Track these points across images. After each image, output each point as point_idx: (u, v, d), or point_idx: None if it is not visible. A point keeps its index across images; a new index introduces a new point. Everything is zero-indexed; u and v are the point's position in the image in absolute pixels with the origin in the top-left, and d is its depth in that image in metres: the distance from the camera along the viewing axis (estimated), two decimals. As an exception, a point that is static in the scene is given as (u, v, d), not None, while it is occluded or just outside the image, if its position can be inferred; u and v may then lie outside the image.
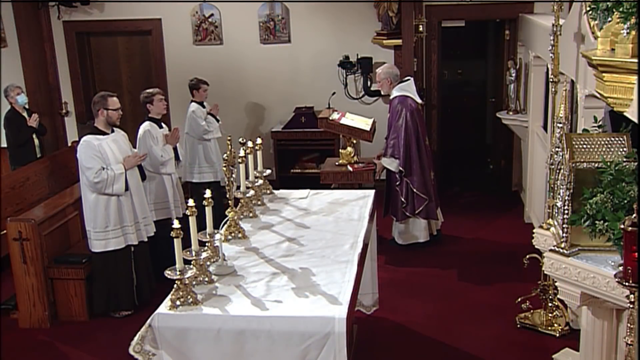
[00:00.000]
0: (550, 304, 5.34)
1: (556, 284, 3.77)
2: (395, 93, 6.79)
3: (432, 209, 6.92)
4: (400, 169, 6.71)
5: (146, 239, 5.85)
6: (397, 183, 6.78)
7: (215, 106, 7.51)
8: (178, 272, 3.47)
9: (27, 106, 7.54)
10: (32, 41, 8.59)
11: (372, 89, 8.31)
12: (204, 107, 7.40)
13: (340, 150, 7.13)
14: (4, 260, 6.17)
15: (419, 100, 6.91)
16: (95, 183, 5.43)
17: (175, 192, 6.38)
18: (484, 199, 8.52)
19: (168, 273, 3.49)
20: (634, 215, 2.76)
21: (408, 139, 6.68)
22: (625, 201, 3.24)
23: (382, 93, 7.11)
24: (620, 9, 3.13)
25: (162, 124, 6.44)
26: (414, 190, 6.74)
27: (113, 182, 5.46)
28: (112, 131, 5.68)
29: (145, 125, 6.27)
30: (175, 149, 6.41)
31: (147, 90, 6.43)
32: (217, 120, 7.45)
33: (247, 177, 4.71)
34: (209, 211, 3.85)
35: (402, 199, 6.77)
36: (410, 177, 6.74)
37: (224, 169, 4.22)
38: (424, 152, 6.82)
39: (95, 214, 5.54)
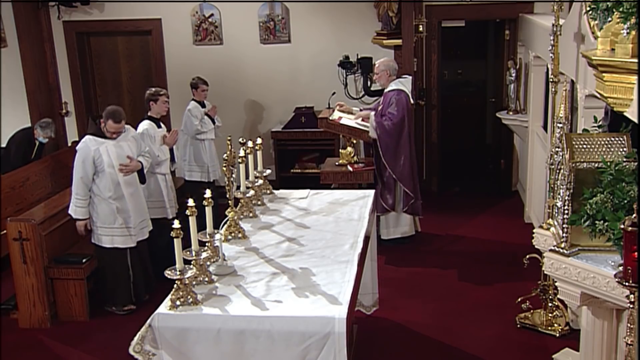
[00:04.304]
0: (550, 304, 5.35)
1: (556, 284, 3.77)
2: (392, 86, 6.79)
3: (418, 205, 6.94)
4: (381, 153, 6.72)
5: (146, 236, 5.90)
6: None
7: (213, 108, 7.46)
8: (178, 272, 3.47)
9: (42, 142, 7.59)
10: (32, 41, 8.58)
11: (372, 89, 8.31)
12: (204, 106, 7.39)
13: (340, 150, 7.14)
14: (4, 260, 6.17)
15: (411, 100, 6.92)
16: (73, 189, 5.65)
17: (169, 191, 6.37)
18: (484, 199, 8.52)
19: (168, 273, 3.49)
20: (634, 215, 2.76)
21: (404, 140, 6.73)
22: (625, 201, 3.24)
23: (379, 86, 7.09)
24: (620, 9, 3.13)
25: (161, 124, 6.44)
26: (404, 189, 6.78)
27: (75, 204, 5.61)
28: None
29: (144, 124, 6.27)
30: (171, 150, 6.42)
31: (154, 88, 6.44)
32: (214, 122, 7.40)
33: (247, 177, 4.71)
34: (209, 211, 3.84)
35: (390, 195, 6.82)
36: (401, 178, 6.76)
37: (224, 168, 4.22)
38: (413, 152, 6.87)
39: (90, 210, 5.68)
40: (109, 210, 5.61)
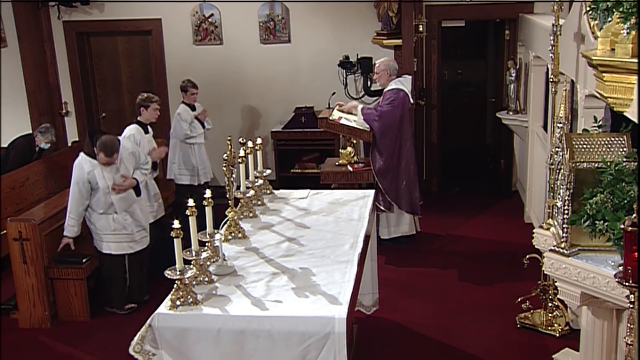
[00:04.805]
0: (550, 304, 5.35)
1: (556, 284, 3.77)
2: (392, 86, 6.80)
3: (417, 205, 6.94)
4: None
5: (145, 245, 5.92)
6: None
7: (204, 111, 7.40)
8: (178, 272, 3.47)
9: (44, 147, 7.54)
10: (32, 41, 8.58)
11: (372, 89, 8.31)
12: (194, 109, 7.35)
13: (340, 150, 7.14)
14: (4, 260, 6.17)
15: (411, 100, 6.91)
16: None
17: (151, 197, 6.32)
18: (483, 199, 8.52)
19: (168, 273, 3.49)
20: (634, 215, 2.76)
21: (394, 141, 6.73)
22: (625, 201, 3.24)
23: (379, 86, 7.10)
24: (620, 9, 3.13)
25: (149, 129, 6.41)
26: (384, 193, 6.75)
27: (67, 222, 5.68)
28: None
29: (131, 129, 6.25)
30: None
31: (146, 94, 6.41)
32: (203, 126, 7.36)
33: (247, 177, 4.71)
34: (209, 211, 3.84)
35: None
36: (382, 181, 6.74)
37: (224, 168, 4.21)
38: (405, 155, 6.82)
39: (86, 216, 5.74)
40: (104, 220, 5.65)
